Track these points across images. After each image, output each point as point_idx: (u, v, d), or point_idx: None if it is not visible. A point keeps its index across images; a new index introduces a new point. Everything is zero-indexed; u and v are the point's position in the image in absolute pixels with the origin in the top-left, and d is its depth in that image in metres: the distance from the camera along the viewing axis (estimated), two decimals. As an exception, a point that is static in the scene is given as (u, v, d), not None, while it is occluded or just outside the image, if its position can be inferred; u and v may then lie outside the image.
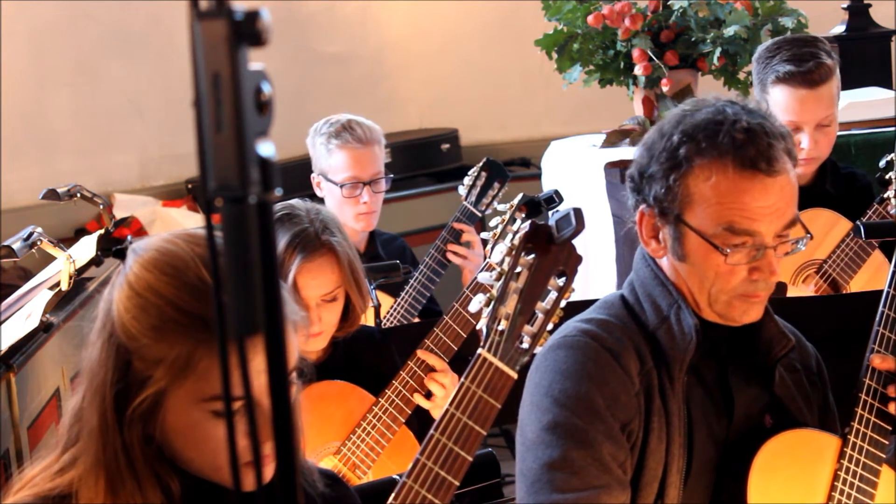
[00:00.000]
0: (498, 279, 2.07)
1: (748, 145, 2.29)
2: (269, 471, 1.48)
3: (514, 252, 2.07)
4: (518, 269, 2.06)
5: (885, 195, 3.46)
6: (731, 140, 2.29)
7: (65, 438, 1.85)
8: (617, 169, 4.77)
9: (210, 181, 1.07)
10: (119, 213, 6.22)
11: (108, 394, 1.77)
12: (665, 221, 2.38)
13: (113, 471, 1.77)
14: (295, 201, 3.13)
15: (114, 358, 1.78)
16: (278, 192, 1.10)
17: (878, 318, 2.48)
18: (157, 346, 1.75)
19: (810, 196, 3.87)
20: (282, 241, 3.01)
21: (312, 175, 4.30)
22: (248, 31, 1.05)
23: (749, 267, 2.32)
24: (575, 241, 2.08)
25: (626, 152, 4.81)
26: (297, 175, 5.67)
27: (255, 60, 1.08)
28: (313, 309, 3.08)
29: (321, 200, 4.27)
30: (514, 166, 7.28)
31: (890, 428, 2.40)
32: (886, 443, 2.40)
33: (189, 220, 6.59)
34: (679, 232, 2.36)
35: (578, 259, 2.10)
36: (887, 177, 3.34)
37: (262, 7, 1.06)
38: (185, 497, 1.81)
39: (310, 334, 3.08)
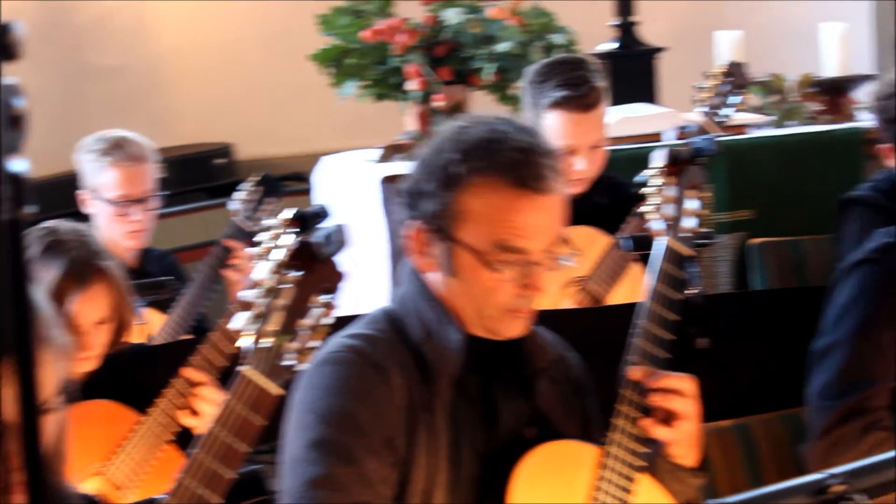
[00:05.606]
0: (262, 296, 2.06)
1: (522, 164, 2.31)
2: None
3: (277, 269, 2.06)
4: (282, 287, 2.06)
5: (640, 210, 3.53)
6: (505, 158, 2.32)
7: None
8: (393, 184, 4.78)
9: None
10: None
11: None
12: (437, 237, 2.38)
13: None
14: (56, 223, 3.07)
15: None
16: (33, 209, 1.08)
17: (636, 330, 2.54)
18: None
19: (581, 208, 3.93)
20: (54, 270, 2.97)
21: (80, 191, 4.21)
22: None
23: (518, 283, 2.35)
24: (346, 257, 2.09)
25: (402, 167, 4.83)
26: (67, 191, 5.54)
27: (22, 73, 1.05)
28: (89, 333, 3.05)
29: (87, 217, 4.19)
30: (289, 181, 7.23)
31: (646, 437, 2.46)
32: (643, 450, 2.45)
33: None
34: (450, 248, 2.37)
35: (342, 276, 2.10)
36: (641, 192, 3.41)
37: (18, 20, 1.04)
38: None
39: (84, 357, 3.05)
